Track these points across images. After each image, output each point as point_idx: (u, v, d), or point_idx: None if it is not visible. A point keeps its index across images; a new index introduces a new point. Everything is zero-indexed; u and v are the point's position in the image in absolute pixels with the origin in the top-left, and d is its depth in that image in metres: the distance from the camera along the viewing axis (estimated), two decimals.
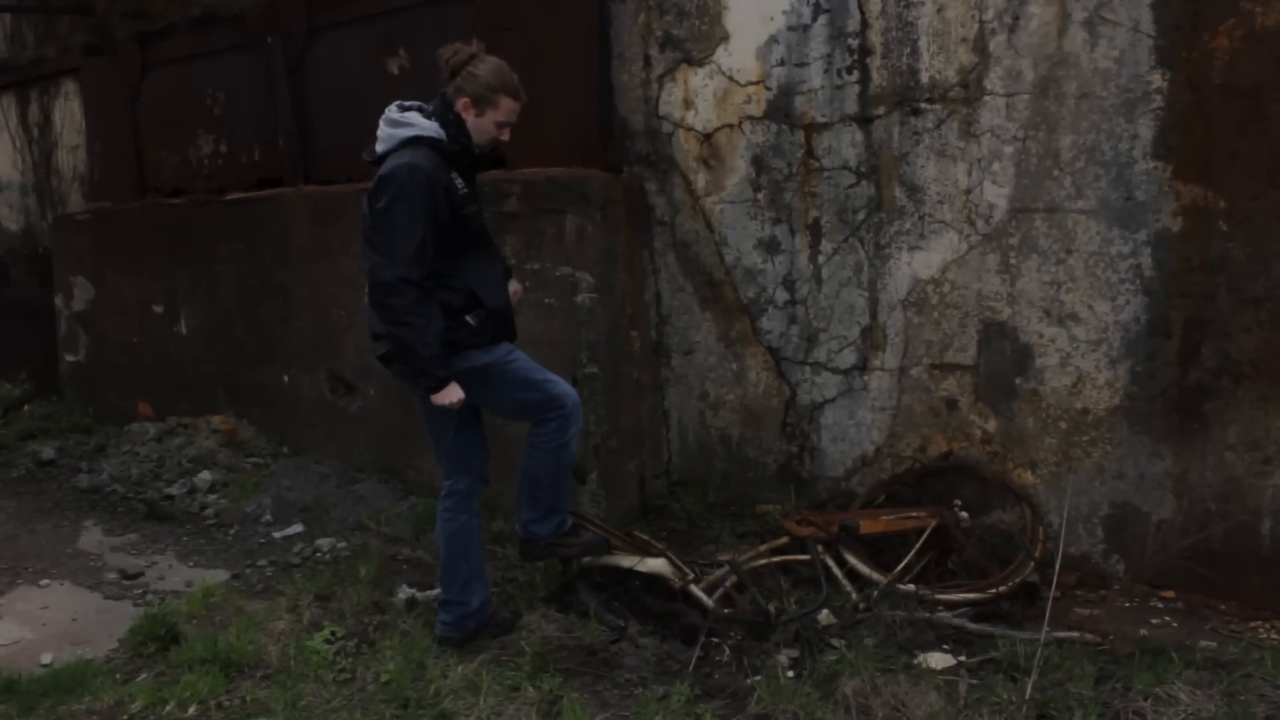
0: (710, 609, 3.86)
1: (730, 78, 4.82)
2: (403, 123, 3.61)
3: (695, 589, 3.93)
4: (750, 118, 4.79)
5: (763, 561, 4.19)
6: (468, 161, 3.69)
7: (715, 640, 3.80)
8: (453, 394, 3.61)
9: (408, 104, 3.68)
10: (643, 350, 5.16)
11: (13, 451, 7.15)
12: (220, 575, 4.85)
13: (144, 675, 3.84)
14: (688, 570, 4.02)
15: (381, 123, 3.66)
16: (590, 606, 3.96)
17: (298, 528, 5.41)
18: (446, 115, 3.62)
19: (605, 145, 5.16)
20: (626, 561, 4.06)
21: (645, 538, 4.35)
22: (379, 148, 3.66)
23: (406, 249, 3.47)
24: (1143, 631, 3.76)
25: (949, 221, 4.35)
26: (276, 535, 5.35)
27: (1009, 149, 4.18)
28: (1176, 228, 3.89)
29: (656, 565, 4.02)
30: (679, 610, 3.95)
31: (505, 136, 3.73)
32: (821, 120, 4.60)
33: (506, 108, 3.66)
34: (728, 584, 4.04)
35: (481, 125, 3.64)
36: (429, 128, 3.59)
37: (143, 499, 6.00)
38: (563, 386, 3.81)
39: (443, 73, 3.66)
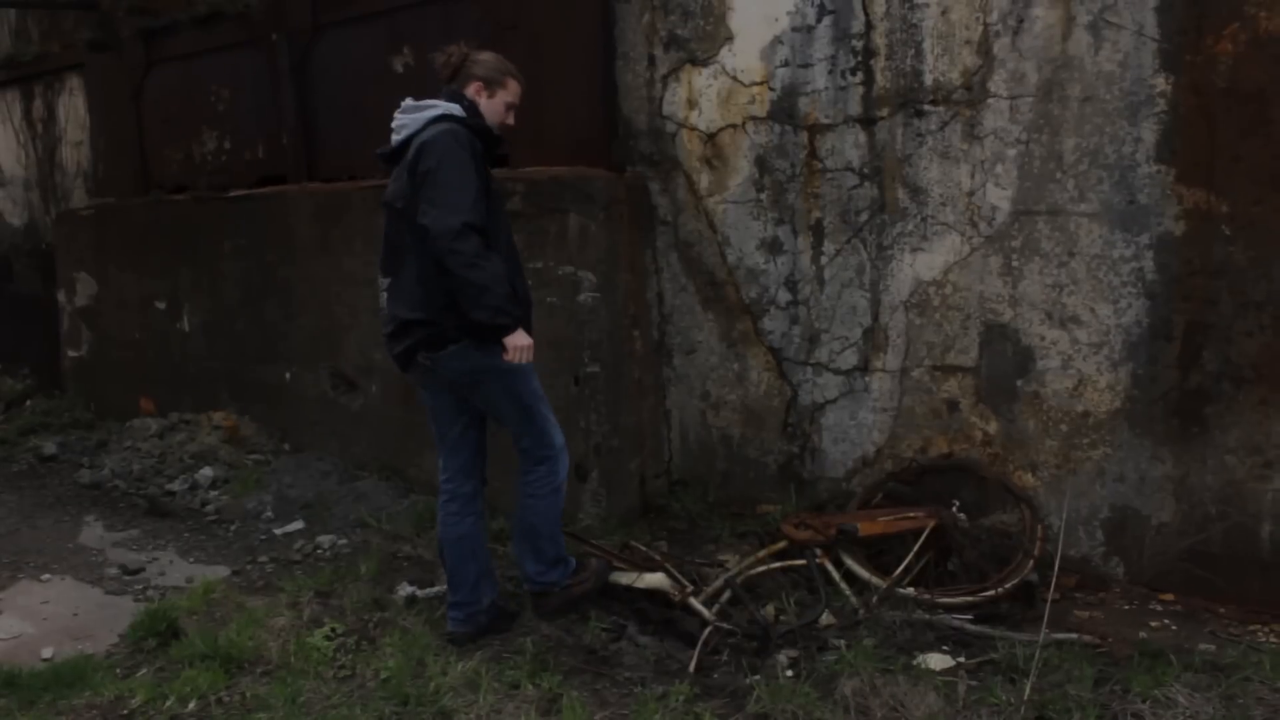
0: (709, 621, 3.84)
1: (734, 78, 4.83)
2: (424, 105, 3.69)
3: (694, 601, 3.91)
4: (754, 118, 4.80)
5: (762, 569, 4.18)
6: (486, 144, 3.72)
7: (715, 653, 3.79)
8: (524, 336, 3.59)
9: (420, 98, 3.76)
10: (644, 350, 5.16)
11: (14, 446, 7.16)
12: (221, 571, 4.86)
13: (144, 670, 3.84)
14: (686, 583, 4.00)
15: (398, 114, 3.73)
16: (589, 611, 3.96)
17: (299, 524, 5.41)
18: (461, 101, 3.71)
19: (609, 145, 5.17)
20: (625, 579, 4.05)
21: (644, 548, 4.34)
22: (398, 136, 3.71)
23: (466, 197, 3.48)
24: (1142, 634, 3.76)
25: (951, 223, 4.35)
26: (277, 532, 5.36)
27: (1012, 151, 4.18)
28: (1179, 231, 3.89)
29: (654, 580, 4.01)
30: (677, 618, 3.95)
31: (512, 120, 3.86)
32: (825, 121, 4.61)
33: (514, 89, 3.82)
34: (724, 598, 4.01)
35: (493, 107, 3.77)
36: (452, 107, 3.67)
37: (144, 495, 6.01)
38: (554, 422, 3.86)
39: (441, 75, 3.79)
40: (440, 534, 3.97)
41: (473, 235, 3.46)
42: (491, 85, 3.76)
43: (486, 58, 3.79)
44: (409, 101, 3.74)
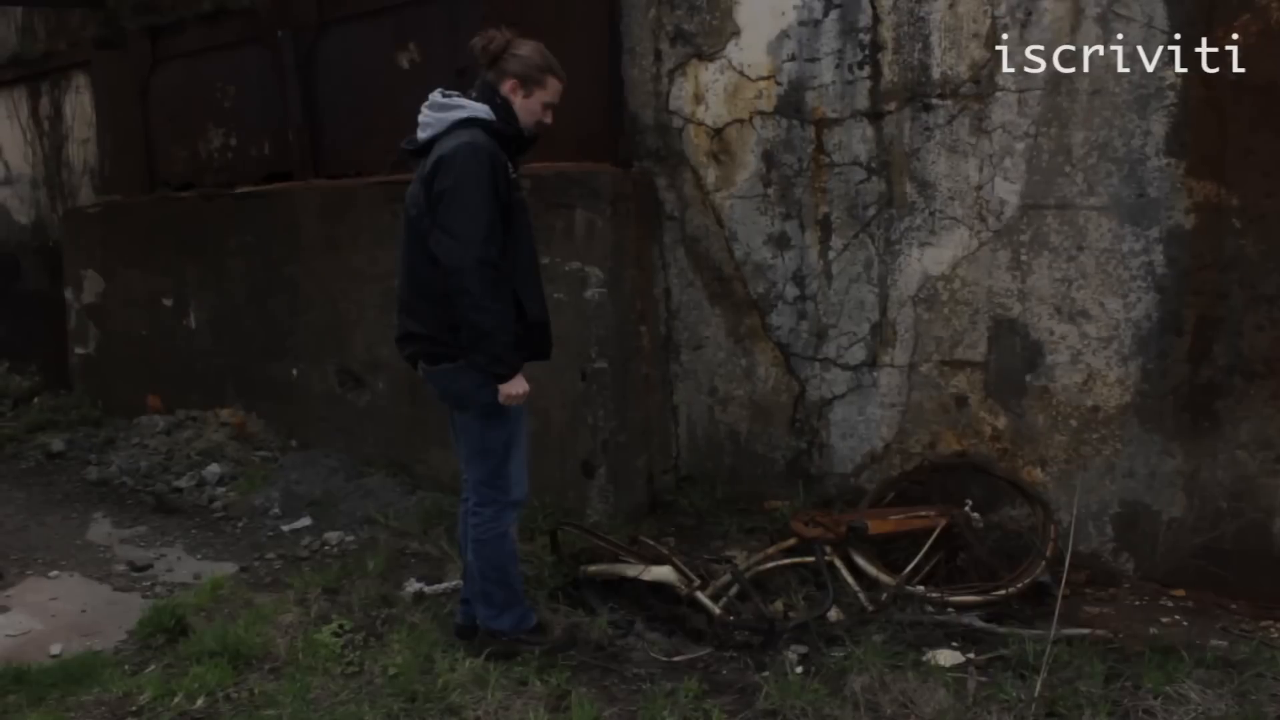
0: (716, 616, 3.83)
1: (741, 73, 4.81)
2: (451, 105, 3.49)
3: (701, 595, 3.90)
4: (761, 113, 4.78)
5: (771, 565, 4.17)
6: (516, 146, 3.58)
7: (724, 650, 3.78)
8: (521, 384, 3.48)
9: (450, 90, 3.56)
10: (652, 345, 5.15)
11: (22, 443, 7.17)
12: (229, 568, 4.86)
13: (152, 667, 3.84)
14: (693, 576, 3.99)
15: (425, 109, 3.54)
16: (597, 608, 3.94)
17: (306, 521, 5.41)
18: (493, 99, 3.51)
19: (615, 140, 5.16)
20: (631, 570, 4.04)
21: (651, 542, 4.33)
22: (423, 134, 3.53)
23: (480, 228, 3.34)
24: (1153, 630, 3.74)
25: (960, 218, 4.33)
26: (285, 528, 5.36)
27: (1020, 145, 4.16)
28: (1189, 225, 3.87)
29: (661, 573, 4.00)
30: (684, 615, 3.94)
31: (549, 119, 3.63)
32: (832, 115, 4.59)
33: (553, 88, 3.58)
34: (733, 592, 4.01)
35: (529, 107, 3.55)
36: (480, 109, 3.48)
37: (151, 491, 6.01)
38: (521, 475, 3.67)
39: (479, 61, 3.56)
40: (460, 532, 3.91)
41: (485, 273, 3.34)
42: (528, 84, 3.52)
43: (526, 52, 3.53)
44: (437, 96, 3.54)
